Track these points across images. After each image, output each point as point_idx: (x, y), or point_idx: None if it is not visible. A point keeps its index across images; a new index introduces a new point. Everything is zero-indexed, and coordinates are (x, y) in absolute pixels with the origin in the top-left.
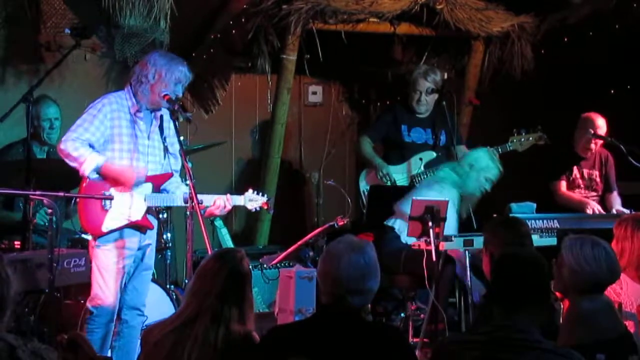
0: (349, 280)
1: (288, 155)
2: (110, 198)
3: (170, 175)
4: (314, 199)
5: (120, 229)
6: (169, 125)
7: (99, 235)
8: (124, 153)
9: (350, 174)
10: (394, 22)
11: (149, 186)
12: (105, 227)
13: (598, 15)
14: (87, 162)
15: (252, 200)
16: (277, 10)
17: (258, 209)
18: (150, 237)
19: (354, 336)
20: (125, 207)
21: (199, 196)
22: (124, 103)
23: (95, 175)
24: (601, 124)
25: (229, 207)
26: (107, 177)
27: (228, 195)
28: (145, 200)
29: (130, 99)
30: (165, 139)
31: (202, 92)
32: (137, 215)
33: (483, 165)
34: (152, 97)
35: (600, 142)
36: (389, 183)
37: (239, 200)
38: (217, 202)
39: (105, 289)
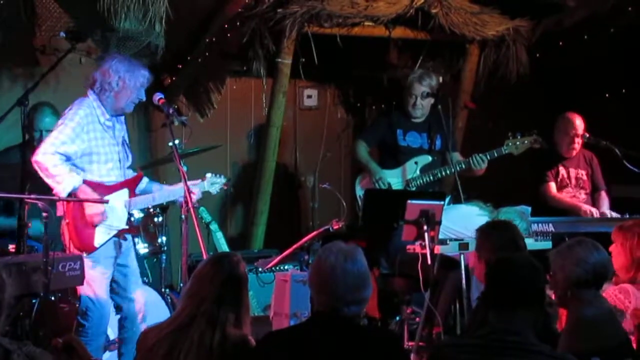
0: (346, 293)
1: (283, 159)
2: (106, 201)
3: (142, 176)
4: (309, 203)
5: (110, 239)
6: (122, 127)
7: (91, 251)
8: (102, 165)
9: (345, 178)
10: (389, 26)
11: (125, 192)
12: (97, 242)
13: (593, 18)
14: (65, 184)
15: (214, 183)
16: (272, 14)
17: (218, 190)
18: (128, 242)
19: (349, 341)
20: (110, 218)
21: (167, 189)
22: (94, 112)
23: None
24: (579, 124)
25: (195, 191)
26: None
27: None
28: (125, 206)
29: (100, 107)
30: (124, 138)
31: (198, 95)
32: (122, 223)
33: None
34: (116, 104)
35: (581, 138)
36: (383, 187)
37: (201, 187)
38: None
39: (95, 300)
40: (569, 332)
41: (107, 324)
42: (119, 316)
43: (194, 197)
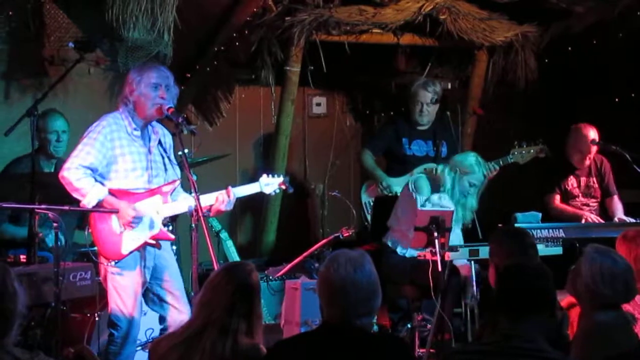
0: (357, 305)
1: (292, 167)
2: (116, 211)
3: (175, 181)
4: (318, 211)
5: (141, 247)
6: (165, 140)
7: (119, 259)
8: (129, 172)
9: (354, 185)
10: (397, 33)
11: (158, 199)
12: (125, 249)
13: (601, 24)
14: (90, 196)
15: (269, 184)
16: (280, 22)
17: (277, 191)
18: (166, 254)
19: (359, 349)
20: (141, 225)
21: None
22: (121, 123)
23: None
24: (593, 136)
25: (232, 198)
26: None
27: (229, 187)
28: (157, 212)
29: (127, 118)
30: (165, 150)
31: (206, 104)
32: (155, 229)
33: (468, 169)
34: (139, 112)
35: (594, 151)
36: (391, 195)
37: (254, 187)
38: (220, 198)
39: (124, 309)
40: (581, 337)
41: (137, 333)
42: (161, 326)
43: (231, 204)
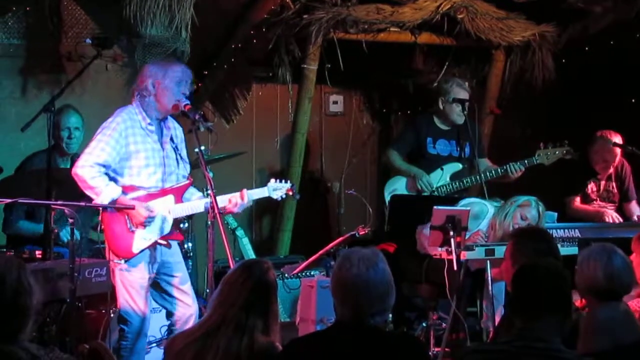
0: (371, 305)
1: (309, 165)
2: (132, 207)
3: (189, 185)
4: (335, 209)
5: (152, 246)
6: (176, 133)
7: (130, 258)
8: (142, 169)
9: (371, 184)
10: (414, 32)
11: (170, 198)
12: (136, 248)
13: (619, 24)
14: (103, 196)
15: (277, 189)
16: (298, 20)
17: (284, 196)
18: (173, 250)
19: (373, 348)
20: (152, 224)
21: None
22: (135, 118)
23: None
24: (618, 141)
25: (245, 201)
26: (121, 210)
27: (243, 190)
28: (169, 212)
29: (140, 113)
30: (177, 146)
31: (223, 101)
32: (161, 231)
33: (524, 202)
34: (158, 106)
35: (619, 158)
36: (431, 189)
37: (262, 192)
38: (233, 200)
39: (133, 304)
40: (584, 333)
41: (147, 328)
42: (169, 322)
43: (244, 206)
